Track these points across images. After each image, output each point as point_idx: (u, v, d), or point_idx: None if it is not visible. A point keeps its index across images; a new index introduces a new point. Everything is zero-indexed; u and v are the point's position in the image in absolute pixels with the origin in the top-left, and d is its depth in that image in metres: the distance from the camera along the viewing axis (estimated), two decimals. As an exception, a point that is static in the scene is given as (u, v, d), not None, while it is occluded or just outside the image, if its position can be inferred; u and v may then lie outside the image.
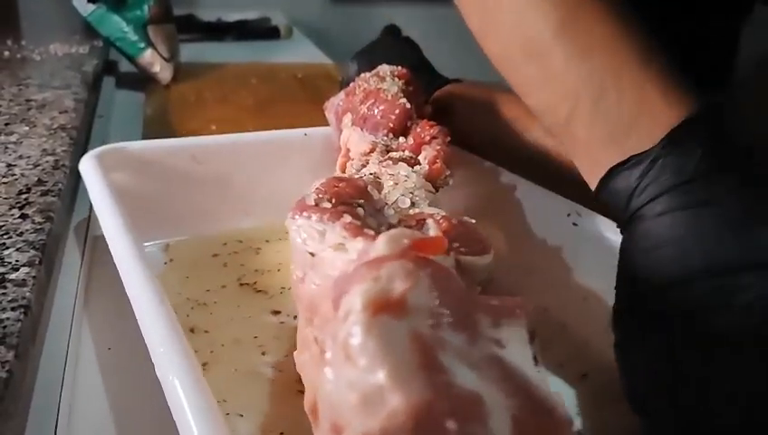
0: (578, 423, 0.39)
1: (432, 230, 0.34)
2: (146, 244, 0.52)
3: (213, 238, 0.54)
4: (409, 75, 0.55)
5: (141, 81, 0.99)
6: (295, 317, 0.45)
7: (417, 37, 0.76)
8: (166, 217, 0.53)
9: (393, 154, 0.46)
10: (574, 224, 0.46)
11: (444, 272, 0.27)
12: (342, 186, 0.37)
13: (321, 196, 0.35)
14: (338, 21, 1.77)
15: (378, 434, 0.22)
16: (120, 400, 0.39)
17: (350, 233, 0.33)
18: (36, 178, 0.54)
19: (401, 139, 0.49)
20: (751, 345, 0.30)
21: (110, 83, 1.01)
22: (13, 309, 0.38)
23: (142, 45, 0.96)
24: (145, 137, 0.78)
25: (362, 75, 0.56)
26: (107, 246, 0.41)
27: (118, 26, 0.96)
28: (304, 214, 0.35)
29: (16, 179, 0.54)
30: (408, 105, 0.50)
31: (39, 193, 0.52)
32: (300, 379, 0.39)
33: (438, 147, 0.47)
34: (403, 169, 0.43)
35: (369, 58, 0.68)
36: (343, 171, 0.49)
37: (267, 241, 0.55)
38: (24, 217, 0.48)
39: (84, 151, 0.53)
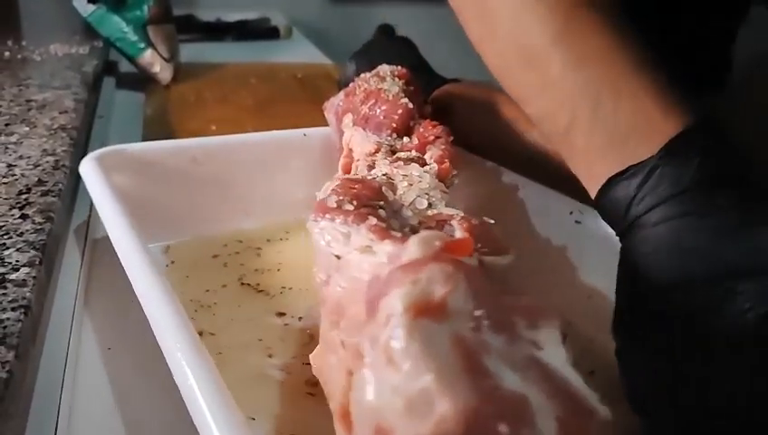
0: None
1: (458, 232, 0.34)
2: (147, 246, 0.52)
3: (213, 239, 0.54)
4: (409, 75, 0.55)
5: (141, 81, 0.99)
6: (300, 319, 0.45)
7: (416, 37, 0.76)
8: (166, 218, 0.53)
9: (401, 154, 0.46)
10: (577, 222, 0.47)
11: (476, 273, 0.27)
12: (359, 187, 0.37)
13: (341, 197, 0.35)
14: (337, 21, 1.77)
15: None
16: (121, 400, 0.39)
17: (377, 235, 0.32)
18: (36, 179, 0.54)
19: (405, 139, 0.49)
20: (751, 345, 0.30)
21: (110, 84, 1.01)
22: (13, 309, 0.38)
23: (142, 46, 0.96)
24: (145, 137, 0.78)
25: (362, 76, 0.56)
26: (107, 247, 0.41)
27: (118, 27, 0.96)
28: (327, 216, 0.34)
29: (17, 180, 0.54)
30: (411, 105, 0.50)
31: (39, 193, 0.52)
32: (308, 381, 0.39)
33: (443, 146, 0.47)
34: (415, 169, 0.43)
35: (367, 58, 0.68)
36: (346, 172, 0.48)
37: (268, 240, 0.55)
38: (24, 217, 0.48)
39: (84, 152, 0.53)
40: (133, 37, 0.96)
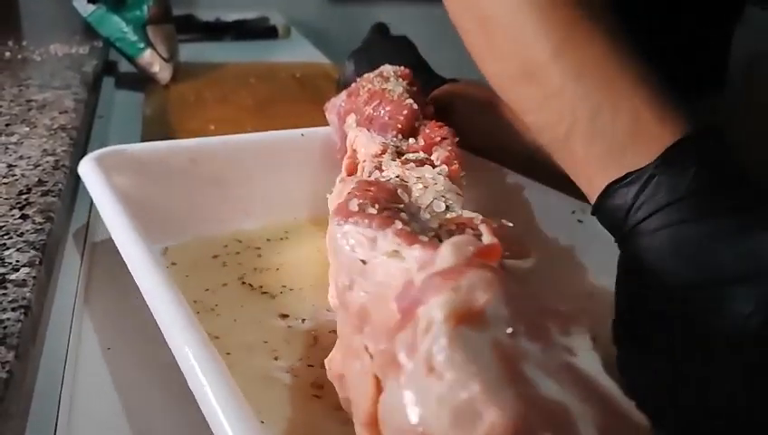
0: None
1: (485, 236, 0.33)
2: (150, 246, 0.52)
3: (213, 239, 0.54)
4: (411, 75, 0.55)
5: (141, 81, 0.99)
6: (303, 321, 0.45)
7: (415, 37, 0.76)
8: (166, 219, 0.53)
9: (410, 156, 0.46)
10: (579, 221, 0.47)
11: (508, 279, 0.27)
12: (374, 190, 0.37)
13: (363, 201, 0.35)
14: (336, 20, 1.77)
15: None
16: (120, 400, 0.39)
17: (404, 240, 0.32)
18: (37, 179, 0.54)
19: (411, 140, 0.49)
20: (751, 346, 0.30)
21: (110, 84, 1.01)
22: (13, 309, 0.38)
23: (142, 46, 0.96)
24: (144, 137, 0.78)
25: (365, 76, 0.55)
26: (107, 247, 0.41)
27: (117, 27, 0.96)
28: (350, 220, 0.34)
29: (17, 180, 0.54)
30: (416, 106, 0.50)
31: (39, 193, 0.52)
32: (314, 383, 0.39)
33: (450, 147, 0.47)
34: (428, 171, 0.42)
35: (366, 57, 0.68)
36: (350, 173, 0.48)
37: (268, 240, 0.55)
38: (24, 217, 0.48)
39: (84, 152, 0.53)
40: (133, 37, 0.96)
